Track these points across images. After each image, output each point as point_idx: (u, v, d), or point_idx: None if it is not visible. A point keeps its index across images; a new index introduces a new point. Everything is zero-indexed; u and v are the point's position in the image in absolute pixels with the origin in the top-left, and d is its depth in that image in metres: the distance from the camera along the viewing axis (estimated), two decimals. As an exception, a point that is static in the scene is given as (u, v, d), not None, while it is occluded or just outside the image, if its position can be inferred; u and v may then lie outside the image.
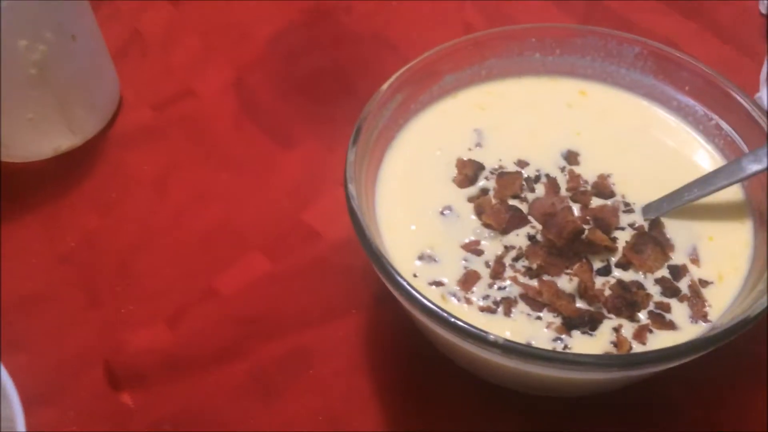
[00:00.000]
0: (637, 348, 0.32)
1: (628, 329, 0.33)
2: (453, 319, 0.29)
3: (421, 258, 0.36)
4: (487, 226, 0.37)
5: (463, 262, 0.35)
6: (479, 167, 0.39)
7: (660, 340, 0.32)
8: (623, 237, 0.36)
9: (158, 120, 0.52)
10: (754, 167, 0.35)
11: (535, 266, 0.35)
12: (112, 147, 0.51)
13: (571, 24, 0.43)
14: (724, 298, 0.34)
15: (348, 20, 0.59)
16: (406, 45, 0.56)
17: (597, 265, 0.35)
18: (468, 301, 0.34)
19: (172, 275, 0.44)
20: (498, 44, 0.42)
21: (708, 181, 0.36)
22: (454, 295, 0.34)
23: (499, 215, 0.36)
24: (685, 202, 0.36)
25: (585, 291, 0.33)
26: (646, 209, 0.37)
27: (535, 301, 0.33)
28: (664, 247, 0.35)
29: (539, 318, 0.33)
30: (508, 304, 0.34)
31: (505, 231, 0.36)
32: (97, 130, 0.51)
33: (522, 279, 0.34)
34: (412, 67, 0.40)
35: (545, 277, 0.34)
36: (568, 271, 0.34)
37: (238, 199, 0.48)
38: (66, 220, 0.47)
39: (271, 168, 0.50)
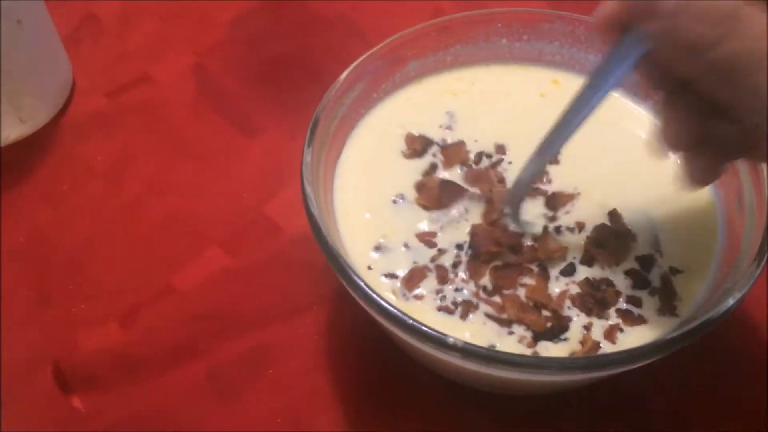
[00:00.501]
0: (607, 347, 0.31)
1: (597, 328, 0.32)
2: (410, 321, 0.28)
3: (377, 248, 0.35)
4: (424, 207, 0.36)
5: (408, 251, 0.35)
6: (428, 142, 0.39)
7: (631, 337, 0.31)
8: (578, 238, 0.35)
9: (113, 107, 0.50)
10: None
11: (490, 286, 0.34)
12: (64, 136, 0.49)
13: (537, 8, 0.41)
14: (694, 290, 0.33)
15: (314, 4, 0.57)
16: (373, 30, 0.54)
17: (559, 266, 0.34)
18: (418, 298, 0.33)
19: (126, 272, 0.42)
20: (463, 29, 0.41)
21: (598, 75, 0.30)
22: (404, 293, 0.33)
23: (432, 192, 0.36)
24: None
25: (545, 306, 0.32)
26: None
27: (500, 319, 0.32)
28: (626, 238, 0.34)
29: (511, 333, 0.32)
30: (466, 308, 0.33)
31: (444, 206, 0.36)
32: (48, 118, 0.49)
33: (483, 295, 0.33)
34: (374, 53, 0.38)
35: (505, 292, 0.33)
36: (523, 282, 0.33)
37: (196, 192, 0.46)
38: (15, 214, 0.45)
39: (232, 158, 0.48)
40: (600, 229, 0.35)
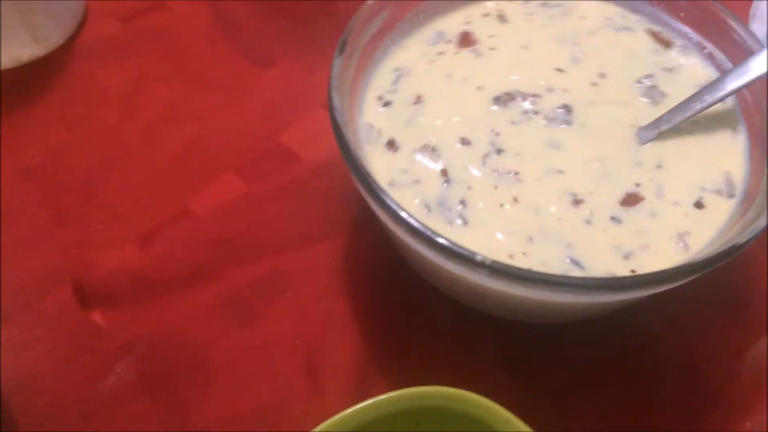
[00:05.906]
0: None
1: None
2: (440, 240, 0.28)
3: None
4: None
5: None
6: None
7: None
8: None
9: (126, 33, 0.50)
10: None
11: None
12: (78, 59, 0.48)
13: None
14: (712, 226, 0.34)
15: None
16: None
17: None
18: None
19: (141, 194, 0.42)
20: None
21: (714, 88, 0.35)
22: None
23: None
24: (691, 114, 0.35)
25: None
26: (642, 131, 0.36)
27: None
28: None
29: None
30: None
31: None
32: (61, 40, 0.49)
33: None
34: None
35: None
36: None
37: (211, 119, 0.46)
38: (29, 134, 0.44)
39: (246, 88, 0.47)
40: None
